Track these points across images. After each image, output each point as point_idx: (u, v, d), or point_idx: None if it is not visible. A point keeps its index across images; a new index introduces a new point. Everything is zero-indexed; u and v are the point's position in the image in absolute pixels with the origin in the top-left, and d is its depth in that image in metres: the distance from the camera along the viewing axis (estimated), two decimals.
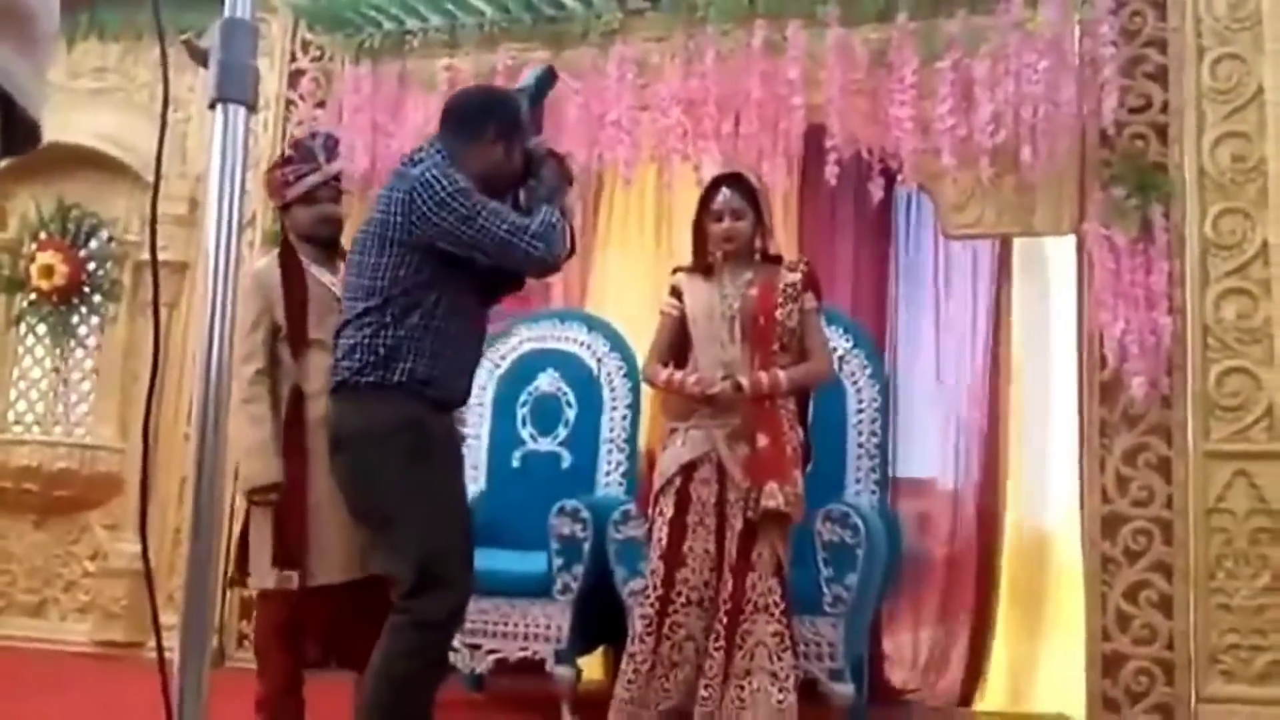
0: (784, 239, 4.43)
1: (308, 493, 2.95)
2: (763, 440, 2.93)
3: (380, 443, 2.46)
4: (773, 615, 2.89)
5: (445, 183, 2.42)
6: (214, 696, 1.21)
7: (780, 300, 3.06)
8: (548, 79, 2.72)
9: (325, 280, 3.16)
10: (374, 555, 2.98)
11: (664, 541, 2.99)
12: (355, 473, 2.51)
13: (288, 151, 3.43)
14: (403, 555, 2.46)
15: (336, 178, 3.28)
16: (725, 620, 2.90)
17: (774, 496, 2.87)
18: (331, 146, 3.26)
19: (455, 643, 3.60)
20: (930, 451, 4.22)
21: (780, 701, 2.86)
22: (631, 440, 4.11)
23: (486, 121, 2.58)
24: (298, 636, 3.10)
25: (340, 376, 2.51)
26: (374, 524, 2.55)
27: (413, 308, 2.45)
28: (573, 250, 2.60)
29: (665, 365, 3.14)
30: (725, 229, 3.06)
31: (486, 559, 3.64)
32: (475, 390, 4.15)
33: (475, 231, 2.42)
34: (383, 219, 2.47)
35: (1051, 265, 4.13)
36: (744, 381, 2.95)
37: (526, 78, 2.72)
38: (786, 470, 2.92)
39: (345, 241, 3.13)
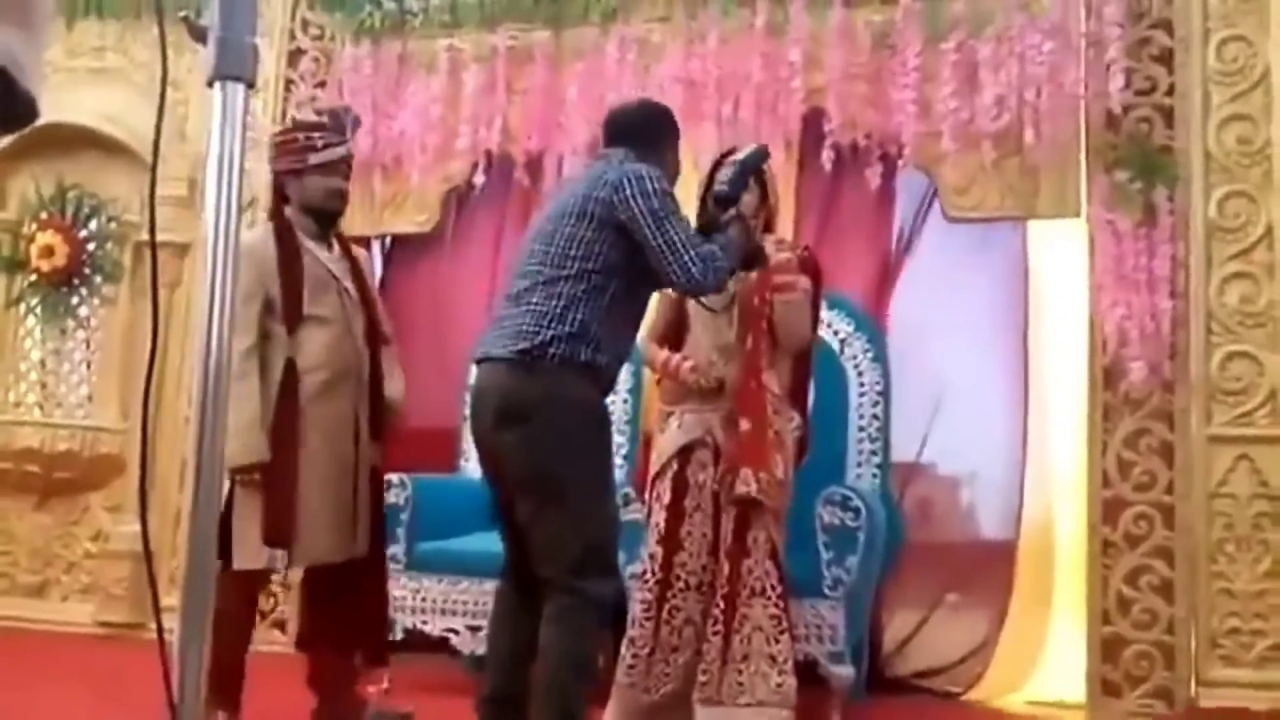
0: (784, 223, 4.41)
1: (299, 470, 2.92)
2: (745, 424, 2.92)
3: (569, 414, 2.51)
4: (769, 599, 2.89)
5: (656, 182, 2.56)
6: None
7: (775, 284, 3.05)
8: (761, 156, 2.91)
9: (321, 257, 3.12)
10: (360, 537, 3.02)
11: (662, 526, 2.98)
12: (539, 441, 2.50)
13: (320, 118, 3.37)
14: (572, 533, 2.48)
15: (353, 156, 3.27)
16: (722, 605, 2.90)
17: (747, 483, 2.86)
18: (356, 126, 3.24)
19: (456, 624, 3.64)
20: (933, 435, 4.20)
21: (779, 684, 2.86)
22: (633, 423, 4.10)
23: (664, 134, 2.78)
24: (249, 621, 3.08)
25: (525, 344, 2.51)
26: (544, 496, 2.52)
27: (603, 289, 2.54)
28: (718, 289, 2.73)
29: (661, 346, 3.12)
30: None
31: (490, 541, 3.64)
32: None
33: (659, 228, 2.52)
34: (586, 195, 2.56)
35: (1059, 248, 4.10)
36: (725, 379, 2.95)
37: (742, 152, 2.89)
38: (765, 456, 2.90)
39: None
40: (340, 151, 3.12)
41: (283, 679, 3.12)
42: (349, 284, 3.15)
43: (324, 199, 3.10)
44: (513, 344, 2.52)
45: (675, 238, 2.52)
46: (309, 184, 3.08)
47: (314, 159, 3.07)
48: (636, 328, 2.73)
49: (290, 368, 2.96)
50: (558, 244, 2.55)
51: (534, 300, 2.53)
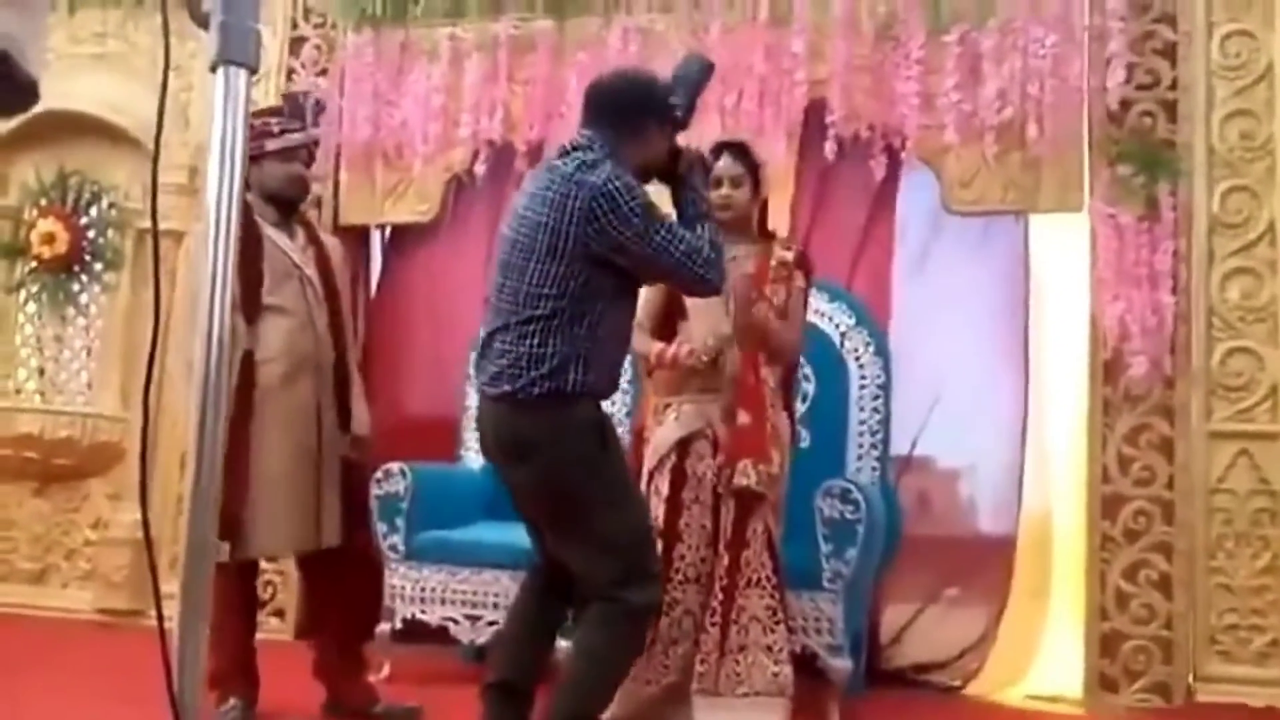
0: (781, 214, 4.40)
1: (252, 462, 2.89)
2: (743, 417, 2.91)
3: (569, 443, 2.46)
4: (765, 589, 2.89)
5: (627, 196, 2.39)
6: None
7: (771, 278, 3.04)
8: (706, 71, 2.64)
9: (283, 245, 3.07)
10: (327, 528, 3.00)
11: (660, 519, 2.96)
12: (549, 476, 2.47)
13: (279, 103, 3.35)
14: (604, 554, 2.45)
15: (316, 143, 3.22)
16: (720, 596, 2.90)
17: (746, 475, 2.85)
18: (318, 112, 3.21)
19: (455, 614, 3.64)
20: (934, 429, 4.20)
21: (775, 674, 2.86)
22: (630, 416, 4.10)
23: (650, 114, 2.56)
24: (251, 608, 3.08)
25: (508, 386, 2.45)
26: (568, 523, 2.50)
27: (580, 317, 2.43)
28: (724, 277, 2.61)
29: (654, 337, 3.10)
30: (723, 196, 3.00)
31: (490, 531, 3.66)
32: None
33: (652, 250, 2.41)
34: (554, 226, 2.40)
35: (1060, 242, 4.10)
36: (726, 355, 2.94)
37: (682, 66, 2.64)
38: (764, 448, 2.90)
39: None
40: (298, 138, 3.10)
41: (291, 667, 3.12)
42: (311, 273, 3.11)
43: (283, 185, 3.07)
44: (497, 385, 2.48)
45: (672, 252, 2.43)
46: (267, 170, 3.05)
47: (271, 145, 3.04)
48: (627, 337, 2.65)
49: (248, 359, 2.92)
50: (529, 282, 2.43)
51: (509, 340, 2.46)
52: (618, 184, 2.39)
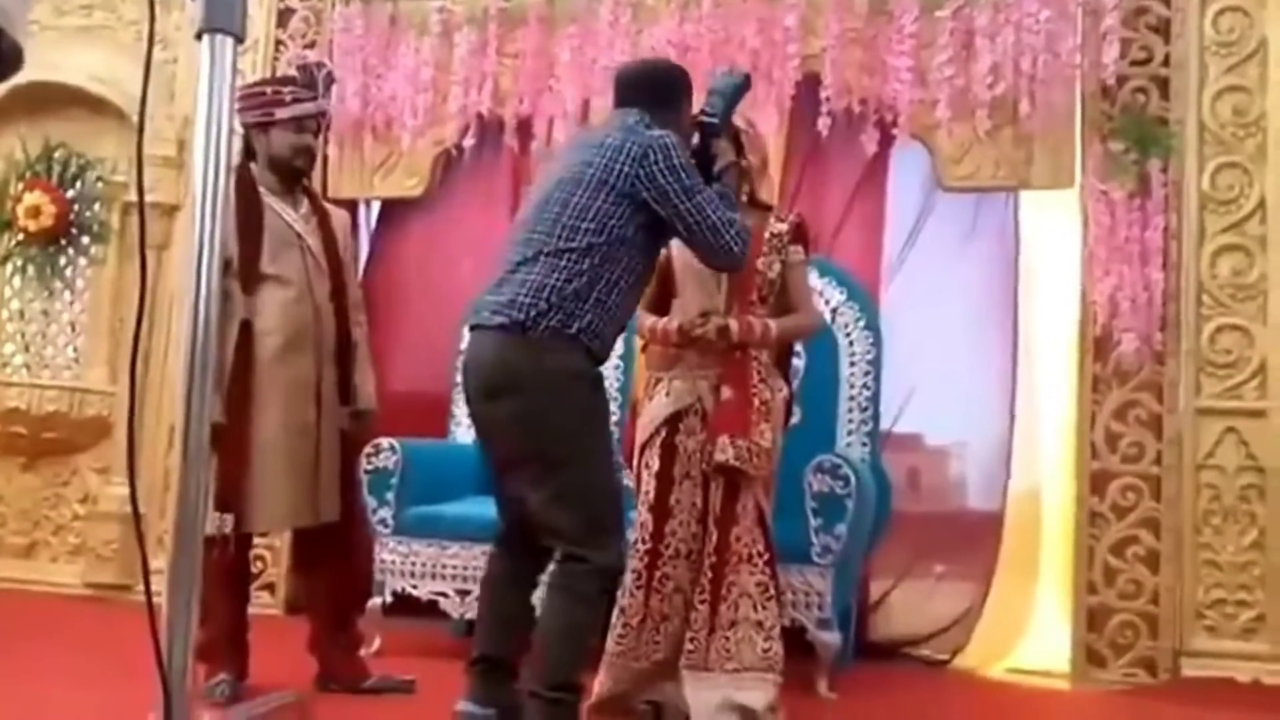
0: (772, 188, 4.38)
1: (251, 434, 2.87)
2: (727, 392, 2.90)
3: (561, 388, 2.46)
4: (756, 565, 2.88)
5: (679, 153, 2.50)
6: None
7: (764, 250, 3.02)
8: (743, 85, 2.80)
9: (285, 215, 3.04)
10: (325, 503, 2.98)
11: (651, 494, 2.95)
12: (532, 413, 2.47)
13: (291, 72, 3.30)
14: (571, 504, 2.46)
15: (325, 114, 3.19)
16: (710, 572, 2.89)
17: (724, 451, 2.84)
18: (329, 83, 3.17)
19: (445, 589, 3.65)
20: (923, 406, 4.21)
21: (765, 650, 2.86)
22: (623, 390, 4.10)
23: (681, 93, 2.71)
24: (243, 582, 3.07)
25: (519, 315, 2.45)
26: (540, 467, 2.49)
27: (609, 261, 2.48)
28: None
29: (650, 312, 3.09)
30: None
31: (480, 507, 3.66)
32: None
33: (693, 206, 2.48)
34: (606, 164, 2.48)
35: (1051, 218, 4.10)
36: (732, 324, 2.91)
37: (720, 80, 2.79)
38: (747, 424, 2.88)
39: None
40: (309, 108, 3.05)
41: (281, 642, 3.12)
42: (313, 243, 3.08)
43: (290, 154, 3.03)
44: (506, 313, 2.46)
45: (713, 215, 2.49)
46: (275, 139, 3.01)
47: (281, 113, 3.00)
48: (638, 300, 2.69)
49: (246, 329, 2.90)
50: (570, 214, 2.47)
51: (536, 270, 2.46)
52: (671, 141, 2.50)
